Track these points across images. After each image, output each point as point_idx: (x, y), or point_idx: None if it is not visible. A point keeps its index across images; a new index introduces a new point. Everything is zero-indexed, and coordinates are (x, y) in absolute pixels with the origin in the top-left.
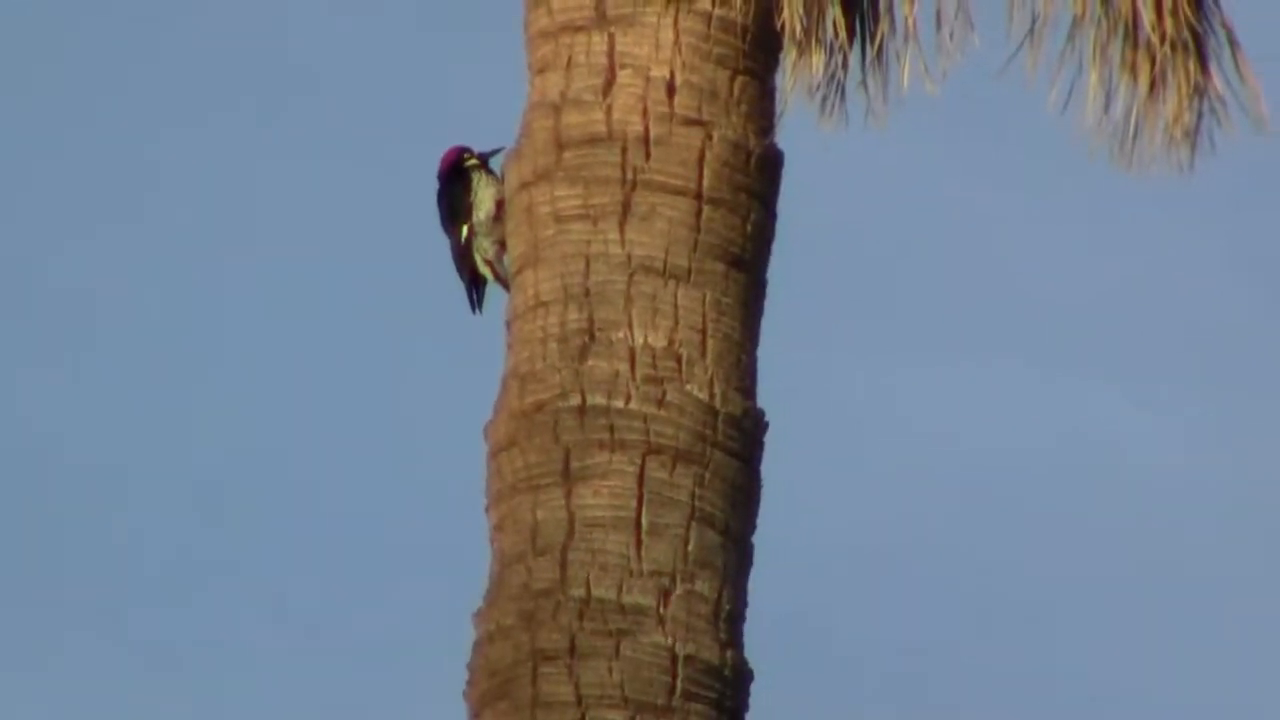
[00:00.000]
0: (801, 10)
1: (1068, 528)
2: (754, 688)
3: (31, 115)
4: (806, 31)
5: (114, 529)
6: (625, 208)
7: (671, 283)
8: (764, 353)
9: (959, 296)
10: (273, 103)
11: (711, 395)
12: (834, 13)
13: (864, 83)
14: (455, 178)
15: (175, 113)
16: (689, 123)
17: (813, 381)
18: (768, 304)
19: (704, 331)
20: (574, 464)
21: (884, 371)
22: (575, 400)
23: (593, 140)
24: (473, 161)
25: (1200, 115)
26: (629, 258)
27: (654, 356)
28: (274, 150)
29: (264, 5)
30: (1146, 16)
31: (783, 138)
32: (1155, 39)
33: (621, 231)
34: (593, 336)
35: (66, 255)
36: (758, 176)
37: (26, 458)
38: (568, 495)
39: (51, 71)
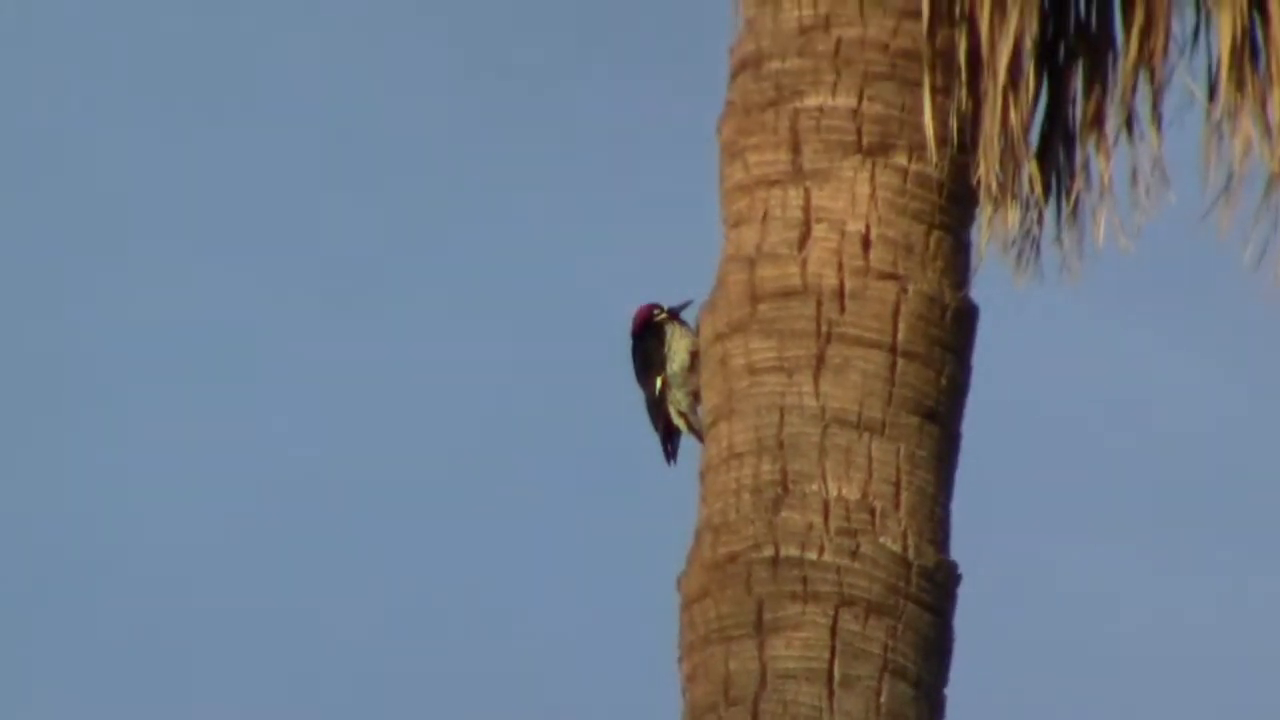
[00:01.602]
0: (998, 166)
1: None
2: None
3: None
4: (1002, 187)
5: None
6: (819, 360)
7: (865, 435)
8: (956, 506)
9: (1146, 465)
10: (456, 272)
11: (905, 548)
12: (1030, 168)
13: (1059, 238)
14: (648, 331)
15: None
16: (884, 276)
17: (1001, 538)
18: (960, 457)
19: (898, 484)
20: (766, 615)
21: (1066, 540)
22: (769, 552)
23: (787, 293)
24: (663, 316)
25: None
26: (823, 410)
27: (847, 509)
28: (466, 319)
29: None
30: None
31: (977, 292)
32: None
33: (816, 384)
34: (786, 488)
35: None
36: (952, 330)
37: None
38: (760, 647)
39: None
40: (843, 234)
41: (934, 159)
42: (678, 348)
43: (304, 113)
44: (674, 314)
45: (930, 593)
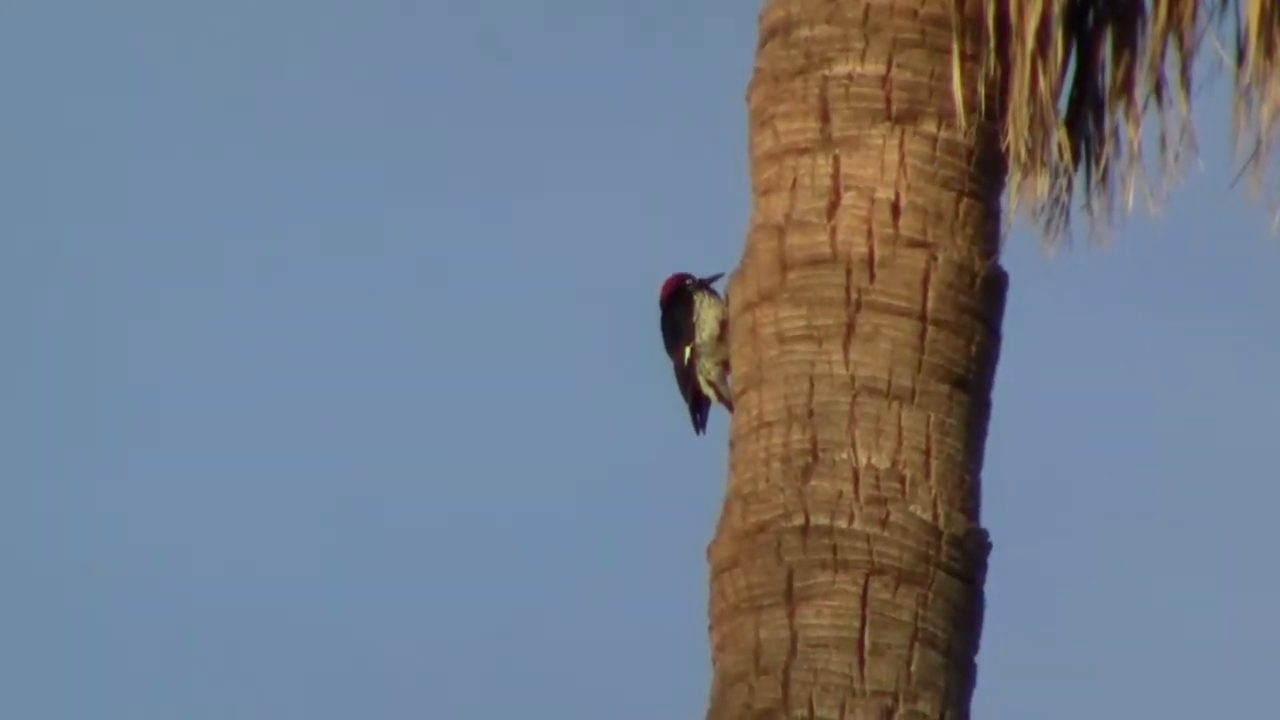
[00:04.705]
0: (1026, 133)
1: None
2: None
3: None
4: (1031, 154)
5: None
6: (849, 329)
7: (895, 403)
8: (987, 473)
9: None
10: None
11: (935, 516)
12: (1059, 135)
13: (1088, 205)
14: (677, 301)
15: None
16: (913, 244)
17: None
18: (991, 425)
19: (928, 452)
20: (797, 584)
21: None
22: (798, 520)
23: (817, 262)
24: (693, 285)
25: None
26: (853, 379)
27: (877, 477)
28: (490, 284)
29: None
30: None
31: (1006, 259)
32: None
33: (845, 352)
34: (816, 457)
35: None
36: (982, 298)
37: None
38: (790, 615)
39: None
40: (872, 202)
41: (963, 126)
42: (706, 317)
43: None
44: (704, 284)
45: (960, 561)
